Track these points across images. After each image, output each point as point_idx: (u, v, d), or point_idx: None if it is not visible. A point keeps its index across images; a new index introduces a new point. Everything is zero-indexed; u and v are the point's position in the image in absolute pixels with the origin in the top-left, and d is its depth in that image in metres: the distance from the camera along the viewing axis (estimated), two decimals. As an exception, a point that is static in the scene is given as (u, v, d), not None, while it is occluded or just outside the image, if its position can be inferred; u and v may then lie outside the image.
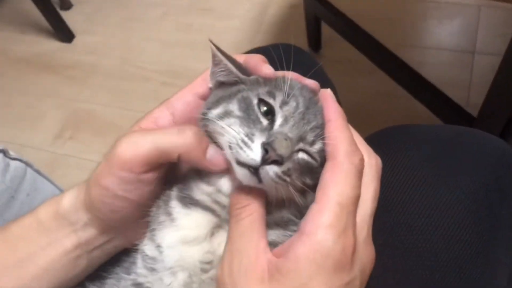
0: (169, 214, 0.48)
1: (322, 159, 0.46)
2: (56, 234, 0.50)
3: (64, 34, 2.09)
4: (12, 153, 0.81)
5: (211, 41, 0.50)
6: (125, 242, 0.53)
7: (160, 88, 1.89)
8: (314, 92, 0.50)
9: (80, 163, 1.73)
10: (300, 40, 1.80)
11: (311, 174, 0.45)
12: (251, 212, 0.44)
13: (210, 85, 0.52)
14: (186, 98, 0.52)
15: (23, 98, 1.99)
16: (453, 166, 0.56)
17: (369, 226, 0.44)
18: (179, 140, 0.46)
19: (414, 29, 1.87)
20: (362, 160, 0.43)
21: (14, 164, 0.80)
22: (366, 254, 0.43)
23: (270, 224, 0.46)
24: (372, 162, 0.46)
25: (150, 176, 0.47)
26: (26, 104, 1.97)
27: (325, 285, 0.39)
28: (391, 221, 0.55)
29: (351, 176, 0.42)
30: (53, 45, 2.12)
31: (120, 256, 0.53)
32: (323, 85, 0.51)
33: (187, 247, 0.46)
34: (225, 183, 0.47)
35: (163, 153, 0.46)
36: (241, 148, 0.43)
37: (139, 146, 0.45)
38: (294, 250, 0.39)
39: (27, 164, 0.84)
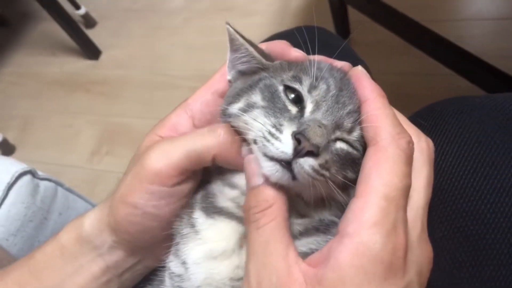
0: (192, 225, 0.43)
1: (364, 147, 0.40)
2: (81, 260, 0.47)
3: (91, 51, 2.13)
4: (40, 173, 0.79)
5: (228, 24, 0.45)
6: (156, 261, 0.49)
7: (190, 94, 1.86)
8: (345, 73, 0.44)
9: (119, 178, 1.73)
10: (327, 28, 1.72)
11: (353, 167, 0.40)
12: (273, 216, 0.37)
13: (229, 77, 0.48)
14: (204, 98, 0.47)
15: (59, 118, 2.03)
16: None
17: (423, 220, 0.38)
18: (212, 140, 0.42)
19: (447, 1, 1.74)
20: (410, 142, 0.37)
21: (43, 184, 0.79)
22: (422, 253, 0.37)
23: (308, 231, 0.40)
24: (422, 146, 0.39)
25: (183, 188, 0.43)
26: (62, 124, 2.01)
27: None
28: (448, 210, 0.48)
29: (398, 162, 0.35)
30: (82, 64, 2.16)
31: (148, 276, 0.49)
32: (354, 65, 0.45)
33: (214, 262, 0.41)
34: None
35: (197, 157, 0.42)
36: (268, 140, 0.37)
37: (170, 154, 0.42)
38: (336, 256, 0.33)
39: (57, 183, 0.82)
